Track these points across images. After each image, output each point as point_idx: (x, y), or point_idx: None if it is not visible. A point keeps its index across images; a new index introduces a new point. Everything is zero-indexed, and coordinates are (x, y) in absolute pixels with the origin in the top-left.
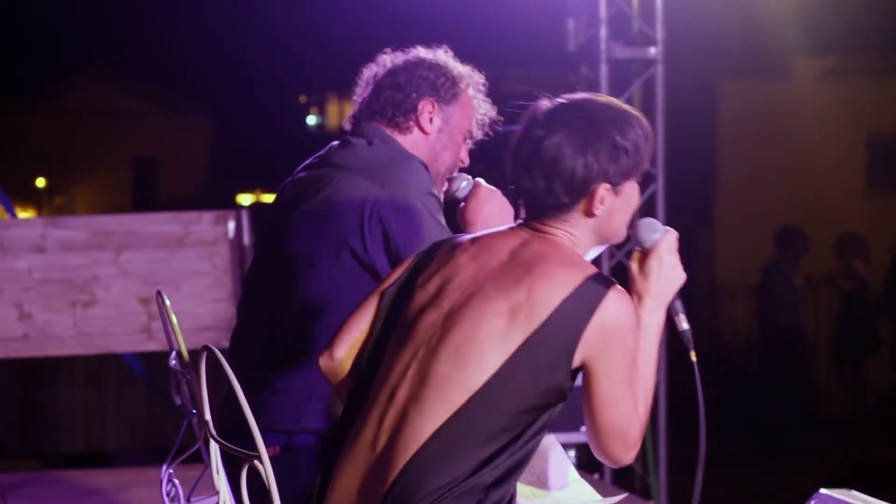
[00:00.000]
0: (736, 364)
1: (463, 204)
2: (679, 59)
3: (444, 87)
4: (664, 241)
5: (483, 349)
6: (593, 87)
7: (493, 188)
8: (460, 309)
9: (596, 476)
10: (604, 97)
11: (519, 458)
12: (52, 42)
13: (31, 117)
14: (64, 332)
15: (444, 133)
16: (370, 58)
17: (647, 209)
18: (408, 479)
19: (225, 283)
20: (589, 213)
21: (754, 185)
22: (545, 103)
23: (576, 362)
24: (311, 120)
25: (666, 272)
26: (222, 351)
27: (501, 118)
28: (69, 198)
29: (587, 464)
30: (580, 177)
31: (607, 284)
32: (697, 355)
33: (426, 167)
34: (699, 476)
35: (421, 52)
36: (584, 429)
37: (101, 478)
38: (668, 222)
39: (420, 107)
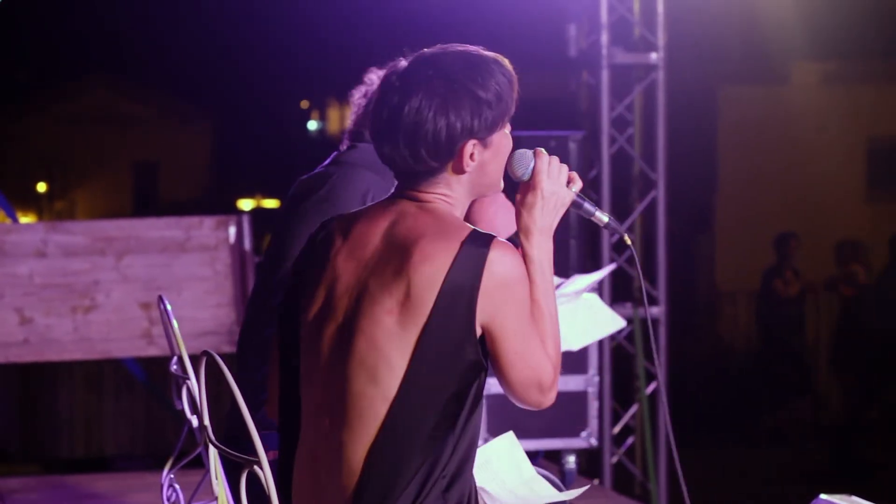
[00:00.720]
0: (735, 368)
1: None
2: (680, 65)
3: None
4: (538, 168)
5: (388, 354)
6: (594, 92)
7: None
8: (353, 317)
9: (596, 482)
10: (459, 47)
11: (465, 446)
12: (53, 47)
13: (32, 122)
14: (64, 337)
15: None
16: (371, 63)
17: (647, 214)
18: None
19: (226, 288)
20: (459, 171)
21: (754, 190)
22: (400, 64)
23: (478, 331)
24: (312, 125)
25: (548, 201)
26: (223, 356)
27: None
28: (70, 202)
29: (587, 469)
30: (444, 138)
31: (485, 243)
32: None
33: None
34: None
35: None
36: (583, 434)
37: (101, 483)
38: (669, 226)
39: None
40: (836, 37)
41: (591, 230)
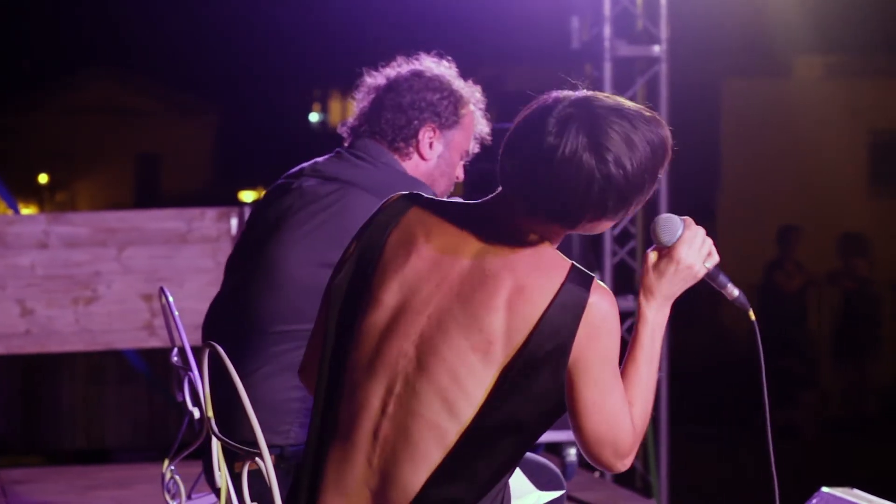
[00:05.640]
0: (738, 362)
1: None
2: (683, 58)
3: (446, 112)
4: (683, 238)
5: (467, 389)
6: (597, 85)
7: None
8: (432, 339)
9: (596, 475)
10: (635, 115)
11: (507, 483)
12: (55, 38)
13: (34, 114)
14: (66, 329)
15: (442, 159)
16: (374, 55)
17: (650, 206)
18: None
19: None
20: (574, 228)
21: (757, 184)
22: (557, 103)
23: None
24: (314, 117)
25: (682, 272)
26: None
27: (501, 114)
28: (72, 194)
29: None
30: (594, 199)
31: (587, 285)
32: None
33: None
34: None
35: (426, 62)
36: None
37: (103, 474)
38: None
39: (421, 134)
40: (840, 31)
41: None
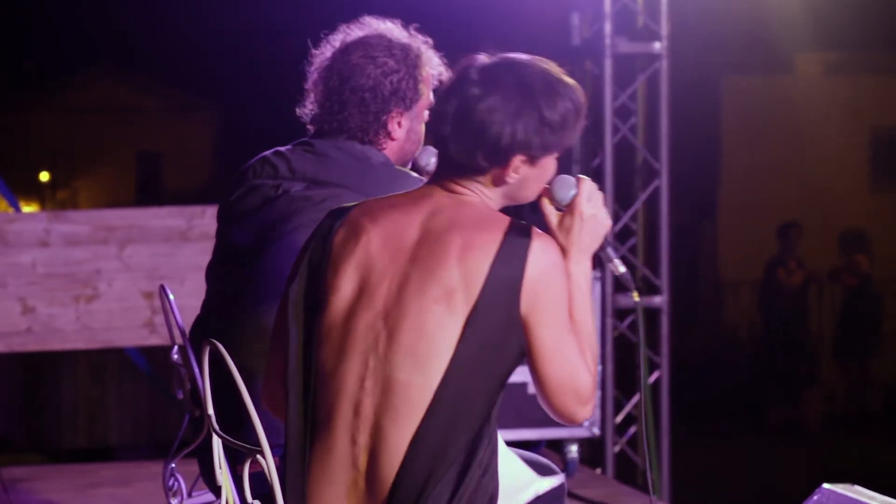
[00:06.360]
0: (739, 358)
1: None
2: (683, 55)
3: (408, 91)
4: (581, 193)
5: (436, 343)
6: (597, 81)
7: None
8: (396, 305)
9: (598, 471)
10: (544, 63)
11: (494, 436)
12: (56, 37)
13: (35, 112)
14: (67, 327)
15: (411, 131)
16: None
17: (650, 203)
18: (403, 493)
19: None
20: (500, 179)
21: (758, 180)
22: (482, 58)
23: (521, 320)
24: None
25: (587, 225)
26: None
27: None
28: (72, 192)
29: (589, 459)
30: (503, 145)
31: (528, 233)
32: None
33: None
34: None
35: (371, 24)
36: (586, 423)
37: (104, 472)
38: (672, 216)
39: (391, 124)
40: (841, 27)
41: None
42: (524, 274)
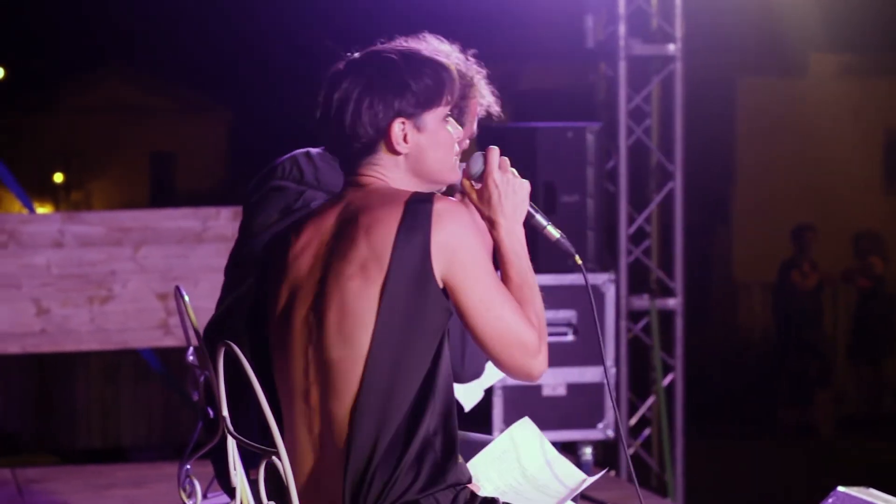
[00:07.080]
0: (753, 360)
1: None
2: (698, 56)
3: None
4: (490, 163)
5: (359, 315)
6: (612, 84)
7: None
8: (322, 294)
9: (612, 473)
10: (411, 44)
11: (442, 400)
12: (70, 38)
13: (49, 113)
14: (81, 328)
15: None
16: None
17: (665, 205)
18: (354, 463)
19: None
20: (393, 151)
21: (772, 182)
22: (343, 62)
23: (440, 283)
24: None
25: (505, 189)
26: None
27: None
28: (86, 193)
29: (602, 461)
30: (370, 116)
31: (429, 199)
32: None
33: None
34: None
35: (431, 44)
36: (600, 425)
37: (118, 473)
38: (686, 218)
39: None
40: (855, 29)
41: (608, 221)
42: (430, 237)
